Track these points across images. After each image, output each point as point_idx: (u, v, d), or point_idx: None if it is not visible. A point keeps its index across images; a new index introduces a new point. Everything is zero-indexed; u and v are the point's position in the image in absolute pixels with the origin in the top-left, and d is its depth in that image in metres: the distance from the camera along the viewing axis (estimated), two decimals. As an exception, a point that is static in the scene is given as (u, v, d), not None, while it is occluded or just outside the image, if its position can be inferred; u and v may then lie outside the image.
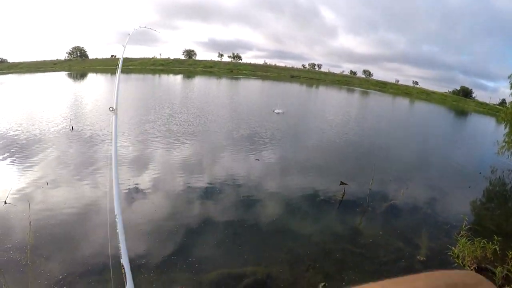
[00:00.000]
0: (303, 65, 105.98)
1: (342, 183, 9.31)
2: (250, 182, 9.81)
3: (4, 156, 10.19)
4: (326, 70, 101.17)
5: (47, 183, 8.44)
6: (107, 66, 68.14)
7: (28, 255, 5.34)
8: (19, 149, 10.94)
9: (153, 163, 10.86)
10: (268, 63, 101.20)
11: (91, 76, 47.69)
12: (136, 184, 8.93)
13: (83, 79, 42.89)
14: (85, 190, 8.29)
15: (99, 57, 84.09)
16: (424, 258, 6.39)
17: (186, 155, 12.07)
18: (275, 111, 22.41)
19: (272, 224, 7.47)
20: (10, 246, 5.64)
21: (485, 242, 6.28)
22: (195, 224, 7.12)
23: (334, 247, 6.65)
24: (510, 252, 6.08)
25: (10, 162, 9.70)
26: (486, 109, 54.64)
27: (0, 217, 6.58)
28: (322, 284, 5.35)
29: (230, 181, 9.72)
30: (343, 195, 9.09)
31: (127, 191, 8.49)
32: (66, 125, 14.65)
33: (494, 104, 60.19)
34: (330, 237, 7.06)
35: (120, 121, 16.43)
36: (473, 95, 79.56)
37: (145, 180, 9.27)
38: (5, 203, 7.04)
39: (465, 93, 79.75)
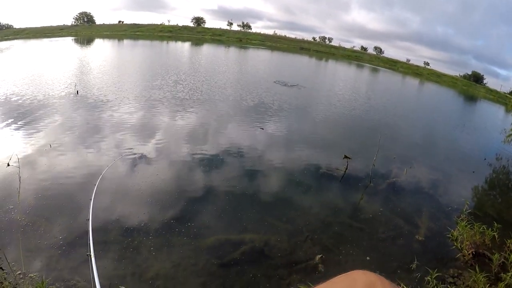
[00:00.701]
0: (314, 38, 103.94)
1: (345, 157, 9.17)
2: (253, 151, 9.71)
3: (7, 120, 10.03)
4: (337, 44, 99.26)
5: (50, 145, 8.38)
6: (114, 32, 66.94)
7: (18, 216, 5.34)
8: (23, 113, 10.75)
9: (156, 129, 10.75)
10: (278, 34, 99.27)
11: (97, 41, 46.85)
12: (138, 148, 8.88)
13: (89, 44, 42.08)
14: (88, 155, 8.20)
15: (106, 22, 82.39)
16: (423, 238, 6.34)
17: (189, 122, 11.93)
18: (285, 84, 21.51)
19: (272, 193, 7.41)
20: (12, 207, 5.58)
21: (485, 228, 6.20)
22: (195, 190, 7.06)
23: (334, 220, 6.60)
24: (509, 241, 6.02)
25: (13, 126, 9.54)
26: (496, 96, 53.70)
27: (3, 179, 6.51)
28: (319, 255, 5.32)
29: (233, 150, 9.63)
30: (346, 169, 8.99)
31: (129, 154, 8.44)
32: (72, 90, 14.40)
33: (505, 93, 59.17)
34: (330, 210, 7.00)
35: (125, 86, 16.27)
36: (484, 81, 78.34)
37: (147, 145, 9.21)
38: (8, 165, 6.94)
39: (476, 78, 78.41)
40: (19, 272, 4.25)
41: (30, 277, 4.22)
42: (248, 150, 9.73)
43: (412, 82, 53.89)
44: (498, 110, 36.04)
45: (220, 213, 6.34)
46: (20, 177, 4.57)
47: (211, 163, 8.55)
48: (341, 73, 44.99)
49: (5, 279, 4.11)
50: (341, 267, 5.24)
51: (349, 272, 0.80)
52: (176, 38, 68.14)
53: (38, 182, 6.62)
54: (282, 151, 10.16)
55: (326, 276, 4.98)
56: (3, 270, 4.23)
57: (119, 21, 79.57)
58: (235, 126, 12.22)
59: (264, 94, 18.76)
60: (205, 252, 5.19)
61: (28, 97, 12.80)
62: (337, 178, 8.62)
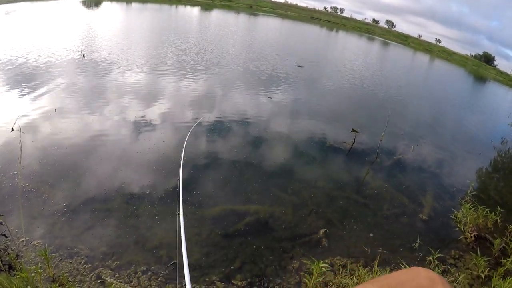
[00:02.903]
0: (325, 8, 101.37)
1: (353, 130, 9.05)
2: (260, 121, 9.57)
3: (12, 83, 9.69)
4: (348, 16, 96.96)
5: (55, 110, 8.16)
6: None
7: (20, 181, 5.22)
8: (27, 77, 10.34)
9: (163, 95, 10.57)
10: (289, 2, 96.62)
11: (105, 4, 45.48)
12: (145, 115, 8.74)
13: (97, 7, 40.76)
14: (94, 121, 8.02)
15: None
16: (426, 218, 6.32)
17: (197, 89, 11.73)
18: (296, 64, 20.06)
19: (278, 164, 7.34)
20: (15, 172, 5.45)
21: (488, 211, 6.17)
22: (201, 159, 6.98)
23: (339, 194, 6.57)
24: (511, 226, 6.00)
25: (18, 90, 9.21)
26: (506, 79, 52.75)
27: (6, 144, 6.35)
28: (323, 230, 5.30)
29: (240, 119, 9.49)
30: (353, 143, 8.89)
31: (134, 120, 8.30)
32: (78, 53, 13.94)
33: (515, 76, 58.20)
34: (335, 184, 6.96)
35: (133, 53, 15.84)
36: (495, 63, 76.99)
37: (154, 112, 9.04)
38: (12, 130, 6.76)
39: (487, 59, 77.04)
40: (22, 239, 4.21)
41: (33, 244, 4.19)
42: (255, 119, 9.64)
43: (423, 58, 52.90)
44: (507, 93, 35.48)
45: (225, 182, 6.29)
46: (21, 144, 4.43)
47: (218, 131, 8.46)
48: (351, 46, 44.08)
49: (7, 246, 4.09)
50: (345, 242, 5.24)
51: (410, 268, 0.80)
52: (185, 2, 66.07)
53: (43, 148, 6.48)
54: (289, 122, 10.05)
55: (330, 250, 5.01)
56: (6, 237, 4.20)
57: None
58: (243, 93, 12.08)
59: (272, 64, 18.41)
60: (209, 222, 5.17)
61: (34, 60, 12.33)
62: (343, 152, 8.54)
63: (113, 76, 11.69)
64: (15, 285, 3.25)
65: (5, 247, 4.06)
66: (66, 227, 4.60)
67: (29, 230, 4.37)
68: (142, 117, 8.60)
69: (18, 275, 3.39)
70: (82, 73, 11.62)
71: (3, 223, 4.30)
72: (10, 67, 11.08)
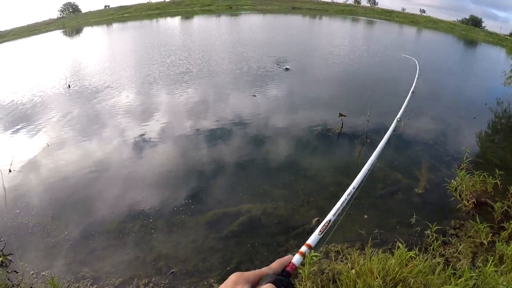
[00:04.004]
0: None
1: (341, 114, 8.92)
2: (246, 119, 9.53)
3: (2, 124, 9.84)
4: (329, 0, 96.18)
5: (48, 145, 8.21)
6: (102, 17, 64.51)
7: (25, 219, 5.45)
8: (15, 116, 10.46)
9: (153, 110, 10.59)
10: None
11: (86, 30, 45.46)
12: (132, 133, 8.77)
13: (77, 34, 40.70)
14: (85, 148, 8.11)
15: (92, 9, 78.41)
16: (422, 191, 6.22)
17: (185, 98, 11.71)
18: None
19: (267, 159, 7.29)
20: (18, 211, 5.67)
21: (486, 175, 6.01)
22: (189, 169, 6.97)
23: (330, 180, 6.47)
24: (512, 187, 5.85)
25: (10, 130, 9.36)
26: (496, 39, 52.13)
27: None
28: (316, 219, 5.22)
29: (225, 120, 9.47)
30: (341, 127, 8.78)
31: (122, 140, 8.37)
32: (64, 84, 13.89)
33: (505, 35, 57.63)
34: (326, 171, 6.86)
35: (117, 76, 15.72)
36: (483, 25, 76.27)
37: (142, 129, 9.05)
38: (10, 171, 6.93)
39: (475, 22, 76.26)
40: (31, 272, 4.41)
41: (42, 275, 4.36)
42: (241, 118, 9.62)
43: (409, 31, 52.51)
44: (498, 53, 35.06)
45: (215, 186, 6.30)
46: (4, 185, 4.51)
47: (203, 134, 8.49)
48: (334, 30, 43.81)
49: (20, 281, 4.29)
50: (339, 228, 5.13)
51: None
52: (165, 14, 65.80)
53: (40, 183, 6.61)
54: (275, 115, 9.95)
55: (324, 238, 4.91)
56: (17, 273, 4.42)
57: (105, 6, 75.59)
58: (228, 93, 12.09)
59: (255, 60, 18.28)
60: (203, 228, 5.21)
61: (20, 99, 12.33)
62: (333, 137, 8.45)
63: (99, 102, 11.64)
64: None
65: (18, 282, 4.27)
66: (70, 254, 4.76)
67: (37, 262, 4.58)
68: (129, 131, 8.67)
69: None
70: (69, 104, 11.60)
71: (13, 260, 4.58)
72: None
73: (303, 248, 1.01)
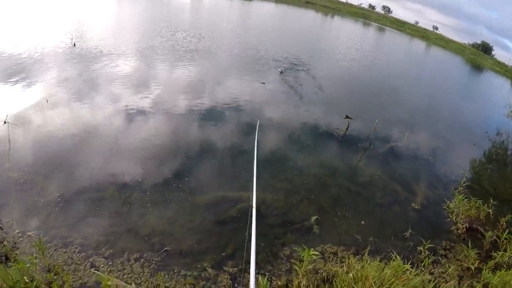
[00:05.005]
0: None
1: (347, 117, 8.95)
2: (253, 108, 9.45)
3: (4, 77, 9.20)
4: (344, 0, 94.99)
5: (47, 100, 7.87)
6: None
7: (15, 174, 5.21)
8: (17, 69, 9.75)
9: (157, 83, 10.33)
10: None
11: None
12: (138, 103, 8.56)
13: None
14: (86, 110, 7.83)
15: None
16: (419, 207, 6.29)
17: (189, 76, 11.51)
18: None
19: (271, 151, 7.28)
20: (9, 165, 5.42)
21: (481, 203, 6.10)
22: (193, 147, 6.90)
23: (331, 181, 6.50)
24: (503, 219, 5.92)
25: (9, 83, 8.79)
26: (504, 70, 52.32)
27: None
28: (315, 217, 5.25)
29: (233, 105, 9.37)
30: (346, 130, 8.80)
31: (126, 108, 8.13)
32: (68, 41, 13.27)
33: (513, 67, 57.84)
34: (328, 171, 6.89)
35: (126, 42, 15.28)
36: (493, 52, 76.38)
37: (147, 99, 8.87)
38: (5, 122, 6.50)
39: (485, 48, 76.31)
40: (17, 231, 4.22)
41: (28, 235, 4.19)
42: (248, 106, 9.53)
43: (419, 45, 52.52)
44: (504, 83, 35.37)
45: (217, 169, 6.28)
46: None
47: (210, 118, 8.35)
48: (346, 32, 43.56)
49: (3, 238, 4.09)
50: (336, 229, 5.19)
51: None
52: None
53: (35, 139, 6.35)
54: (282, 108, 9.89)
55: (321, 237, 4.96)
56: (1, 229, 4.21)
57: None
58: (236, 80, 11.97)
59: (265, 50, 18.00)
60: (202, 209, 5.13)
61: (24, 52, 11.53)
62: (337, 138, 8.46)
63: (105, 63, 11.36)
64: (12, 276, 3.28)
65: (1, 239, 4.07)
66: (60, 217, 4.57)
67: (23, 221, 4.38)
68: (127, 102, 8.49)
69: (14, 266, 3.46)
70: (72, 62, 11.17)
71: None
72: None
73: None
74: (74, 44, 12.96)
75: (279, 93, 11.29)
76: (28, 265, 3.51)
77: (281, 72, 13.51)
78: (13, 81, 8.84)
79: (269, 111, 9.48)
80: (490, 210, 6.06)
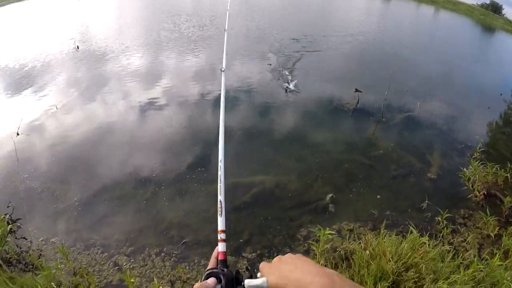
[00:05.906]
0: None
1: (357, 90, 8.76)
2: (261, 88, 9.37)
3: (11, 87, 9.45)
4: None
5: (56, 107, 8.02)
6: None
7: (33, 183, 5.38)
8: (24, 78, 9.99)
9: (164, 72, 10.38)
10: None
11: None
12: (148, 94, 8.71)
13: None
14: (95, 113, 7.94)
15: None
16: (434, 177, 6.20)
17: (196, 61, 11.50)
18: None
19: (282, 131, 7.24)
20: (26, 175, 5.61)
21: (498, 168, 5.98)
22: (204, 132, 6.91)
23: (344, 157, 6.46)
24: (521, 182, 5.85)
25: (17, 93, 9.02)
26: (515, 28, 50.96)
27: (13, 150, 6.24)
28: (330, 195, 5.24)
29: (241, 86, 9.28)
30: (357, 103, 8.66)
31: (134, 105, 8.21)
32: (72, 45, 13.19)
33: (525, 25, 55.96)
34: (341, 147, 6.84)
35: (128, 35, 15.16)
36: (503, 11, 74.00)
37: (156, 89, 9.01)
38: (18, 134, 6.73)
39: (494, 8, 73.54)
40: (41, 239, 4.38)
41: (52, 242, 4.35)
42: (256, 86, 9.45)
43: (427, 10, 51.04)
44: (516, 42, 34.28)
45: (229, 155, 6.18)
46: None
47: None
48: (352, 4, 42.52)
49: (29, 247, 4.25)
50: (352, 206, 5.19)
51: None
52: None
53: (48, 147, 6.52)
54: (291, 85, 9.76)
55: (337, 215, 4.96)
56: (26, 239, 4.38)
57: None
58: (242, 60, 11.75)
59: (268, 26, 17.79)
60: (216, 197, 5.12)
61: (29, 61, 11.62)
62: (347, 113, 8.35)
63: (109, 65, 11.30)
64: (40, 284, 3.38)
65: (27, 249, 4.23)
66: (80, 221, 4.74)
67: (46, 229, 4.54)
68: (137, 94, 8.62)
69: (40, 274, 3.56)
70: (78, 65, 11.23)
71: (22, 226, 4.55)
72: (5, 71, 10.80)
73: (221, 235, 1.11)
74: (78, 47, 12.92)
75: (284, 69, 11.12)
76: (53, 271, 3.64)
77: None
78: (21, 91, 9.05)
79: (275, 87, 9.53)
80: (508, 175, 5.96)
